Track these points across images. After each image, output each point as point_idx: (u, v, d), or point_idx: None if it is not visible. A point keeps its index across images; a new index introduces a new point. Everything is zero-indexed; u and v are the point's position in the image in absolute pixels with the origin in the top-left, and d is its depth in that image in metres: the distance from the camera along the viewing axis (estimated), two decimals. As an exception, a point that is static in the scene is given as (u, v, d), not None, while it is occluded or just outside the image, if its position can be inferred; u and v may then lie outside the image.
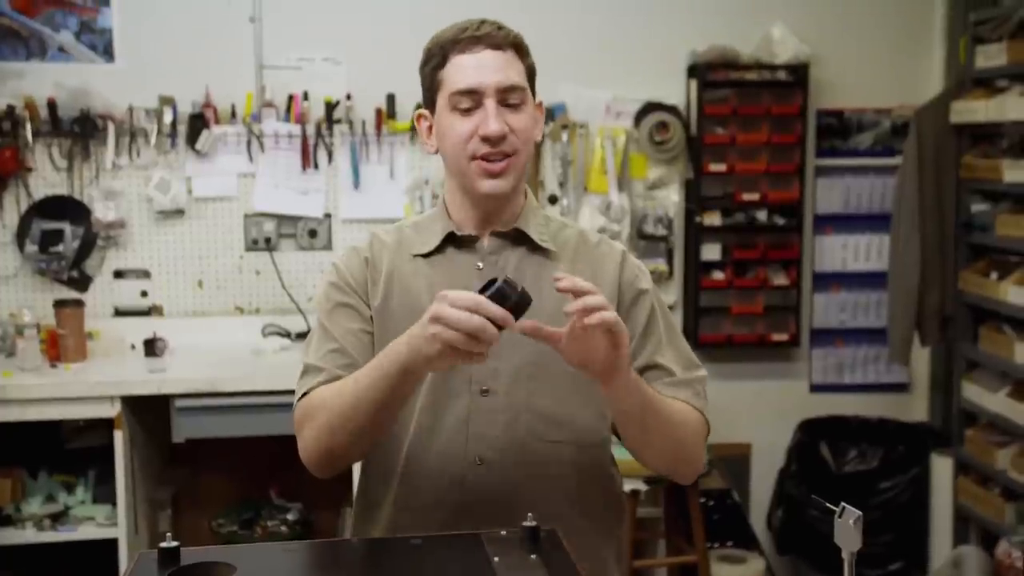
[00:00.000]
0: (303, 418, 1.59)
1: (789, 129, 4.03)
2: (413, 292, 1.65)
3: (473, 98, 1.58)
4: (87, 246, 3.77)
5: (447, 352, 1.36)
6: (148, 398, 3.34)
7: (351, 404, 1.50)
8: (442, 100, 1.61)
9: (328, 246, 3.90)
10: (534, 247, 1.67)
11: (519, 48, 1.63)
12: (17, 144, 3.67)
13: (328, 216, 3.90)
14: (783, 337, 4.13)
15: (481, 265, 1.66)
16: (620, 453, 1.73)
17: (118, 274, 3.83)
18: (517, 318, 1.37)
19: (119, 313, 3.82)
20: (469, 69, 1.58)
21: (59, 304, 3.58)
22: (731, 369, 4.17)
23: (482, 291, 1.36)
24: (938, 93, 3.92)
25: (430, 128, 1.67)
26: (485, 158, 1.59)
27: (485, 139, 1.58)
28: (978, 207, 3.73)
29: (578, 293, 1.37)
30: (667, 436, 1.57)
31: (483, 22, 1.61)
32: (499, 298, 1.35)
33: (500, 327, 1.34)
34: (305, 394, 1.60)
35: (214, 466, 3.82)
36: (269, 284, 3.89)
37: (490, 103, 1.58)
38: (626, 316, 1.65)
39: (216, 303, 3.88)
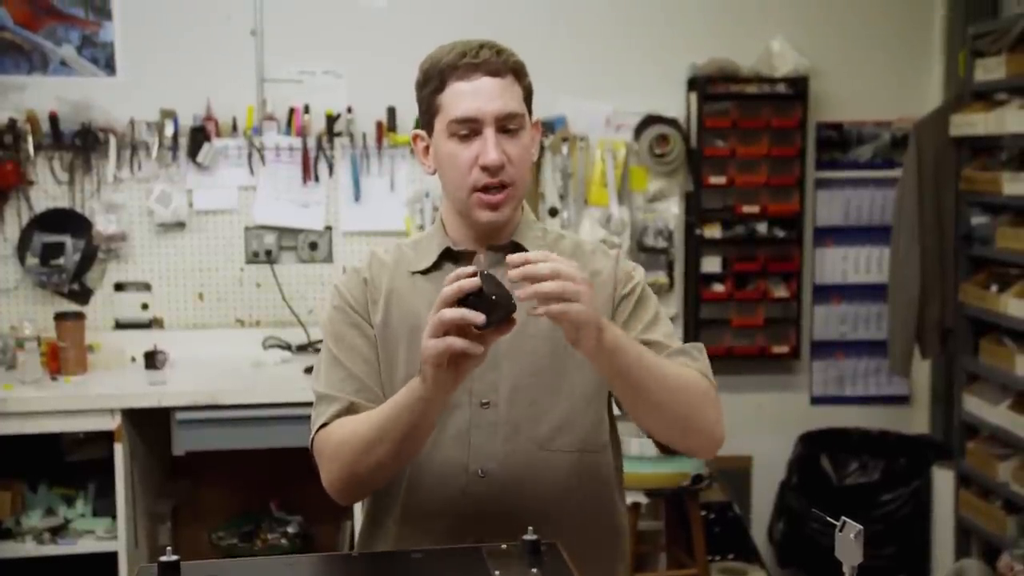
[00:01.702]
0: (323, 451, 1.59)
1: (789, 142, 4.04)
2: (413, 309, 1.65)
3: (471, 126, 1.59)
4: (88, 259, 3.78)
5: (444, 357, 1.37)
6: (148, 411, 3.33)
7: (374, 438, 1.51)
8: (440, 125, 1.62)
9: (329, 258, 3.91)
10: None
11: (517, 72, 1.62)
12: (19, 157, 3.68)
13: (329, 229, 3.90)
14: (783, 349, 4.14)
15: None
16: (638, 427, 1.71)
17: (119, 287, 3.83)
18: (496, 308, 1.36)
19: (120, 326, 3.82)
20: (467, 97, 1.58)
21: (60, 317, 3.58)
22: (731, 381, 4.16)
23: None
24: (937, 106, 3.93)
25: (426, 149, 1.68)
26: (485, 189, 1.59)
27: (484, 168, 1.58)
28: (978, 219, 3.73)
29: (531, 277, 1.36)
30: (670, 397, 1.52)
31: (482, 47, 1.60)
32: (476, 294, 1.36)
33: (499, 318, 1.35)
34: (323, 425, 1.60)
35: (214, 479, 3.82)
36: (270, 296, 3.89)
37: (489, 132, 1.58)
38: (618, 304, 1.67)
39: (216, 315, 3.89)
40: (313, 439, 1.62)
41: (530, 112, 1.66)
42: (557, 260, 1.38)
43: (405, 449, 1.53)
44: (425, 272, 1.68)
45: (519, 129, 1.62)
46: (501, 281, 1.38)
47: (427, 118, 1.65)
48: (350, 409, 1.60)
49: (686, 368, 1.59)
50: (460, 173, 1.60)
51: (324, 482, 1.60)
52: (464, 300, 1.36)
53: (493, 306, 1.35)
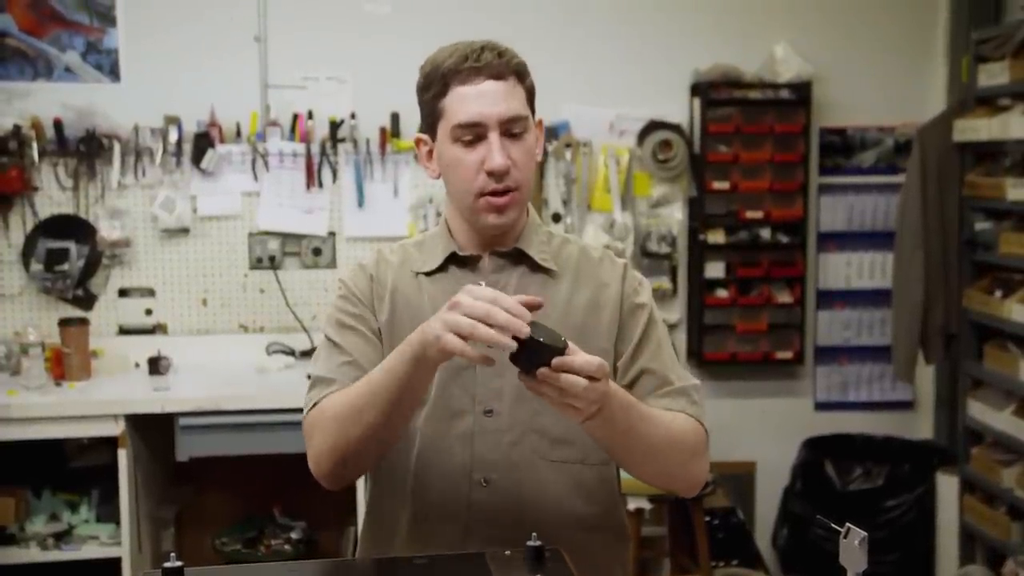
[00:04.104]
0: (313, 426, 1.57)
1: (792, 147, 4.04)
2: (418, 309, 1.65)
3: (476, 131, 1.58)
4: (92, 265, 3.79)
5: (455, 341, 1.35)
6: (152, 416, 3.34)
7: (363, 401, 1.48)
8: (443, 130, 1.61)
9: (332, 264, 3.91)
10: (535, 266, 1.67)
11: (519, 73, 1.61)
12: (23, 163, 3.69)
13: (332, 234, 3.91)
14: (787, 355, 4.13)
15: (483, 284, 1.66)
16: (624, 472, 1.73)
17: (123, 292, 3.84)
18: (540, 360, 1.33)
19: (123, 331, 3.83)
20: (471, 101, 1.57)
21: (64, 322, 3.59)
22: (735, 387, 4.17)
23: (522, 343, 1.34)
24: (941, 111, 3.93)
25: (430, 152, 1.67)
26: (491, 194, 1.58)
27: (490, 173, 1.57)
28: (981, 225, 3.73)
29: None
30: (661, 456, 1.55)
31: (483, 49, 1.59)
32: (533, 345, 1.33)
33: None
34: (315, 404, 1.58)
35: (217, 484, 3.82)
36: (273, 302, 3.89)
37: (493, 136, 1.57)
38: (623, 327, 1.66)
39: (220, 321, 3.89)
40: (305, 419, 1.59)
41: (533, 112, 1.65)
42: (571, 379, 1.35)
43: (390, 417, 1.49)
44: (429, 274, 1.68)
45: (523, 132, 1.61)
46: (547, 329, 1.35)
47: (430, 122, 1.64)
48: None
49: (682, 418, 1.59)
50: (465, 178, 1.60)
51: (310, 460, 1.57)
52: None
53: (533, 352, 1.33)
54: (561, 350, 1.33)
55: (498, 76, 1.58)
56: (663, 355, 1.66)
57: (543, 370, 1.33)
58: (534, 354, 1.33)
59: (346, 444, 1.51)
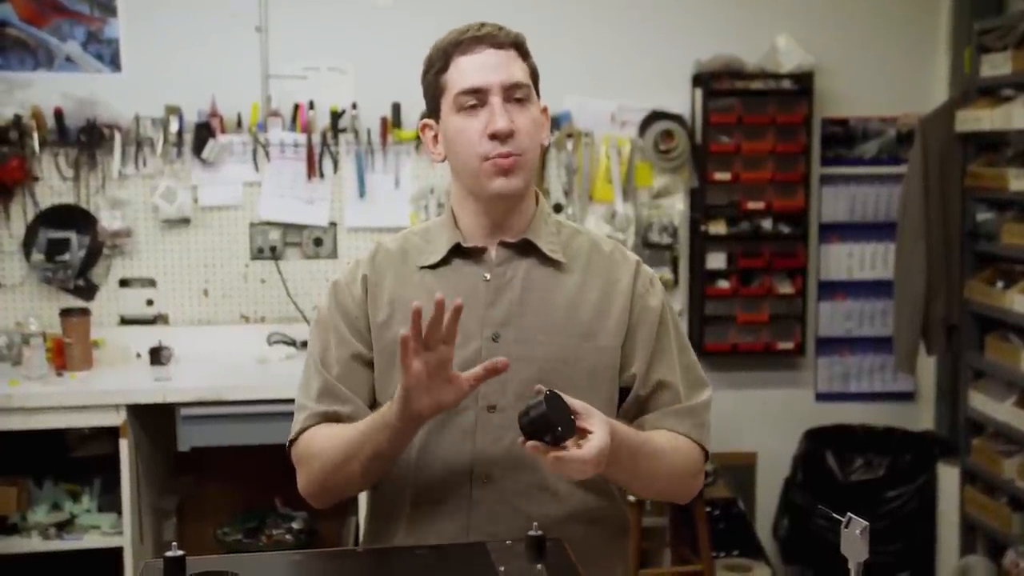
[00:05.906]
0: (298, 460, 1.66)
1: (794, 138, 4.03)
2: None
3: (478, 97, 1.58)
4: (93, 255, 3.78)
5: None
6: (153, 407, 3.34)
7: (343, 458, 1.57)
8: (447, 103, 1.61)
9: (333, 254, 3.91)
10: (544, 258, 1.66)
11: (520, 48, 1.63)
12: (24, 153, 3.69)
13: (333, 225, 3.91)
14: (788, 346, 4.13)
15: (488, 276, 1.64)
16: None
17: (124, 283, 3.83)
18: (541, 435, 1.38)
19: (125, 322, 3.83)
20: (473, 69, 1.58)
21: (65, 313, 3.59)
22: (736, 378, 4.17)
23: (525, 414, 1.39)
24: (943, 102, 3.92)
25: (435, 137, 1.66)
26: (495, 157, 1.58)
27: (494, 136, 1.57)
28: (984, 216, 3.73)
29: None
30: (654, 479, 1.62)
31: (483, 24, 1.62)
32: (540, 422, 1.37)
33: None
34: (295, 438, 1.66)
35: (219, 475, 3.82)
36: (274, 293, 3.89)
37: (496, 100, 1.57)
38: (633, 328, 1.65)
39: (221, 312, 3.89)
40: (292, 448, 1.67)
41: (537, 93, 1.65)
42: (572, 462, 1.39)
43: (374, 468, 1.57)
44: (433, 267, 1.66)
45: (526, 100, 1.61)
46: (560, 404, 1.39)
47: (434, 101, 1.64)
48: (325, 417, 1.63)
49: (684, 443, 1.63)
50: (469, 145, 1.58)
51: (300, 487, 1.66)
52: (526, 412, 1.38)
53: (550, 428, 1.37)
54: (562, 436, 1.38)
55: (498, 45, 1.60)
56: (677, 365, 1.67)
57: (531, 444, 1.39)
58: (539, 428, 1.38)
59: (329, 486, 1.62)
